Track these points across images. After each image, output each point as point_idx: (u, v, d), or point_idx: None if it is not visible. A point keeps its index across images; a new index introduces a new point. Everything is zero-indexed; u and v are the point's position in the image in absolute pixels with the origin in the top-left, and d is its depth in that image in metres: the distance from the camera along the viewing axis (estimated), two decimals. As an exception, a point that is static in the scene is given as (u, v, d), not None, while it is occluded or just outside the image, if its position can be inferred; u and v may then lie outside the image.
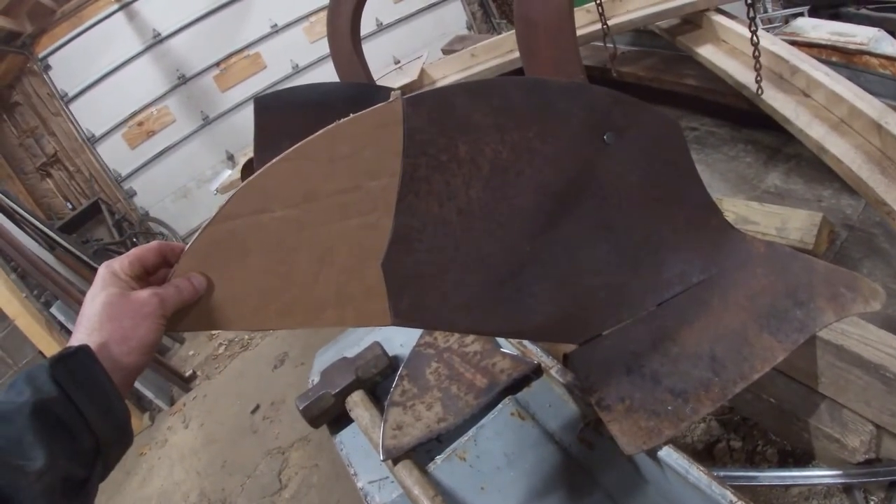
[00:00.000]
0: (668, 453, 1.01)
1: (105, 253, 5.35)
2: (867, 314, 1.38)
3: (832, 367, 1.43)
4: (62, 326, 4.04)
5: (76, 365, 0.70)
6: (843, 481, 1.48)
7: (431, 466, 1.16)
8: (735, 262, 1.25)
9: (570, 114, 1.01)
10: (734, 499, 0.93)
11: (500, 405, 1.22)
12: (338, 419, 1.38)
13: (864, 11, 3.82)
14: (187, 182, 6.44)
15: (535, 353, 1.24)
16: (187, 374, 4.37)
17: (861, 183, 1.91)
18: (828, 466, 1.52)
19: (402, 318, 0.95)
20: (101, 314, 0.75)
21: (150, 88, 6.28)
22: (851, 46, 2.60)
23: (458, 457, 1.17)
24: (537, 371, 1.25)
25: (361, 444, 1.28)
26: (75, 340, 0.74)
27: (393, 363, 1.42)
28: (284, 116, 1.82)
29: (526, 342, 1.25)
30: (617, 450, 1.03)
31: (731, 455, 1.61)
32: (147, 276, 0.85)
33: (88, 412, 0.69)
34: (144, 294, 0.79)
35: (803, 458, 1.58)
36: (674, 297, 1.17)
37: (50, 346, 3.82)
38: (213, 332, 4.69)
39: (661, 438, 1.01)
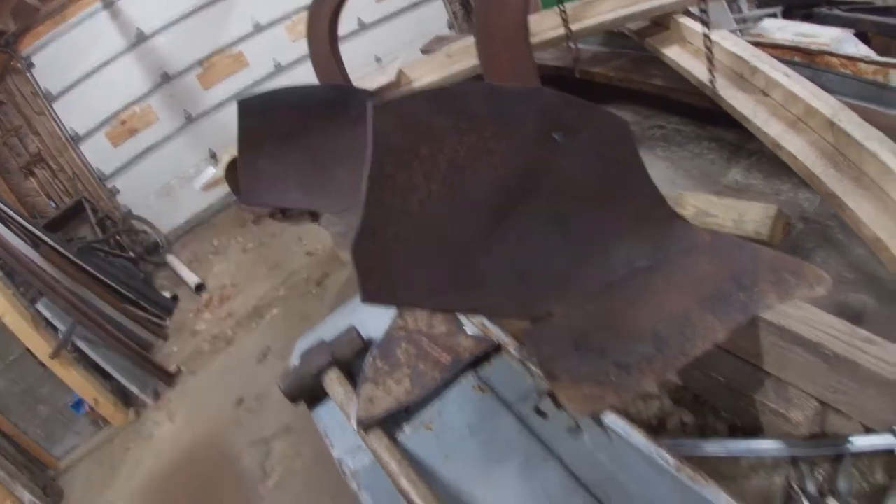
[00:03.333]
0: (612, 420, 1.11)
1: (89, 250, 5.38)
2: (822, 301, 1.48)
3: (775, 346, 1.53)
4: (48, 323, 4.08)
5: None
6: (788, 454, 1.57)
7: (401, 436, 1.27)
8: (680, 249, 1.36)
9: (523, 116, 1.12)
10: (671, 460, 1.03)
11: (463, 379, 1.33)
12: (316, 397, 1.48)
13: (836, 12, 3.90)
14: (170, 180, 6.45)
15: (495, 332, 1.34)
16: (172, 370, 4.39)
17: (814, 178, 2.02)
18: (773, 439, 1.60)
19: (369, 298, 1.05)
20: None
21: (133, 87, 6.28)
22: (814, 47, 2.70)
23: (425, 427, 1.28)
24: (497, 349, 1.36)
25: (337, 418, 1.37)
26: None
27: (367, 345, 1.51)
28: (267, 118, 1.93)
29: (486, 322, 1.35)
30: (569, 420, 1.13)
31: (683, 430, 1.71)
32: None
33: None
34: None
35: (751, 433, 1.67)
36: (620, 280, 1.27)
37: (37, 343, 3.86)
38: (197, 328, 4.74)
39: (605, 405, 1.12)
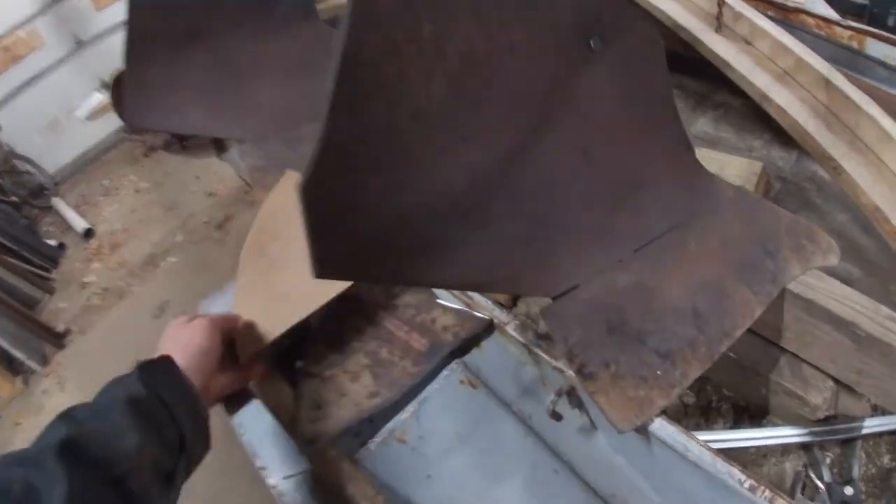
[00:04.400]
0: (661, 426, 0.83)
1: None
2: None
3: (799, 321, 1.36)
4: None
5: (158, 369, 0.80)
6: (805, 440, 1.43)
7: (363, 453, 0.91)
8: (708, 205, 1.11)
9: (559, 5, 0.79)
10: (742, 477, 0.78)
11: (445, 371, 0.98)
12: (236, 395, 1.07)
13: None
14: (57, 113, 5.68)
15: (486, 306, 1.01)
16: (60, 329, 3.88)
17: (807, 136, 1.85)
18: (787, 425, 1.47)
19: (327, 268, 0.67)
20: (195, 357, 0.85)
21: (17, 9, 5.41)
22: (790, 4, 2.55)
23: (397, 439, 0.94)
24: (489, 328, 1.02)
25: (269, 426, 0.94)
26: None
27: (306, 322, 1.14)
28: (164, 15, 1.45)
29: (474, 296, 1.02)
30: (583, 419, 0.84)
31: (685, 411, 1.51)
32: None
33: (173, 406, 0.76)
34: (223, 379, 0.92)
35: (757, 414, 1.52)
36: (650, 243, 0.99)
37: None
38: (86, 280, 4.20)
39: (655, 410, 0.83)
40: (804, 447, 1.44)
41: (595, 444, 0.96)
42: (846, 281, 1.70)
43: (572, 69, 0.83)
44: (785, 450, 1.44)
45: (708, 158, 2.09)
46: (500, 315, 0.99)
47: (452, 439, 0.94)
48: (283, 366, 1.06)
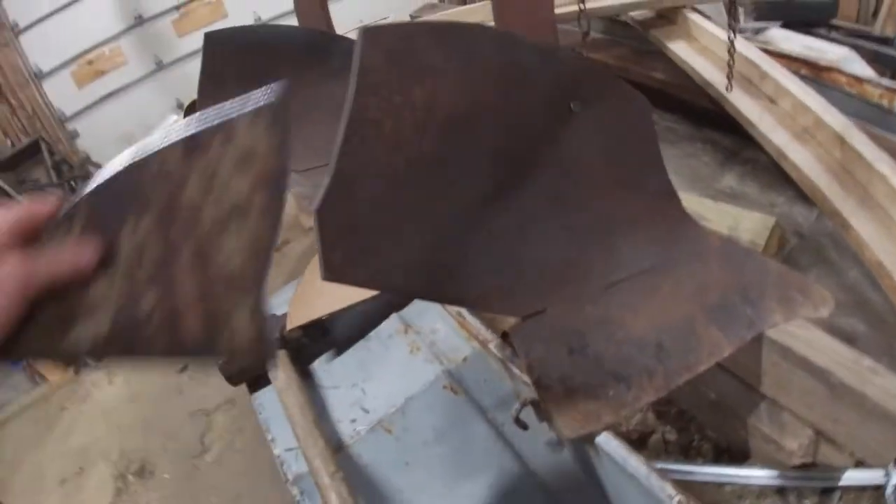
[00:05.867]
0: (606, 440, 0.95)
1: (42, 195, 5.06)
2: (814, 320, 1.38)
3: (776, 366, 1.42)
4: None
5: None
6: (779, 483, 1.47)
7: (353, 438, 1.08)
8: (689, 252, 1.21)
9: (538, 74, 0.94)
10: (673, 492, 0.88)
11: (431, 377, 1.14)
12: (258, 379, 1.28)
13: (834, 35, 3.87)
14: (133, 128, 6.10)
15: (475, 326, 1.17)
16: (117, 327, 4.16)
17: (818, 192, 1.92)
18: (764, 467, 1.51)
19: (333, 273, 0.86)
20: None
21: (104, 26, 5.91)
22: (822, 62, 2.62)
23: (384, 429, 1.10)
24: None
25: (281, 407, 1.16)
26: None
27: (324, 327, 1.32)
28: (236, 57, 1.68)
29: (465, 315, 1.18)
30: (551, 434, 0.97)
31: (665, 448, 1.59)
32: (36, 237, 0.68)
33: None
34: (9, 266, 0.63)
35: (738, 456, 1.57)
36: (623, 281, 1.11)
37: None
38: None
39: (600, 424, 0.96)
40: (780, 492, 1.47)
41: (561, 459, 1.08)
42: (851, 335, 1.75)
43: (551, 130, 0.98)
44: (761, 493, 1.47)
45: (724, 212, 2.15)
46: (485, 334, 1.14)
47: (430, 434, 1.09)
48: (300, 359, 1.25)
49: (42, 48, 5.76)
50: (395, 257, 0.89)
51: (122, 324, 0.70)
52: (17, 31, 5.65)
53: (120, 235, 0.69)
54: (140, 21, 5.97)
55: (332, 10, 2.83)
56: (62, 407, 3.67)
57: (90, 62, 5.93)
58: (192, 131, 0.69)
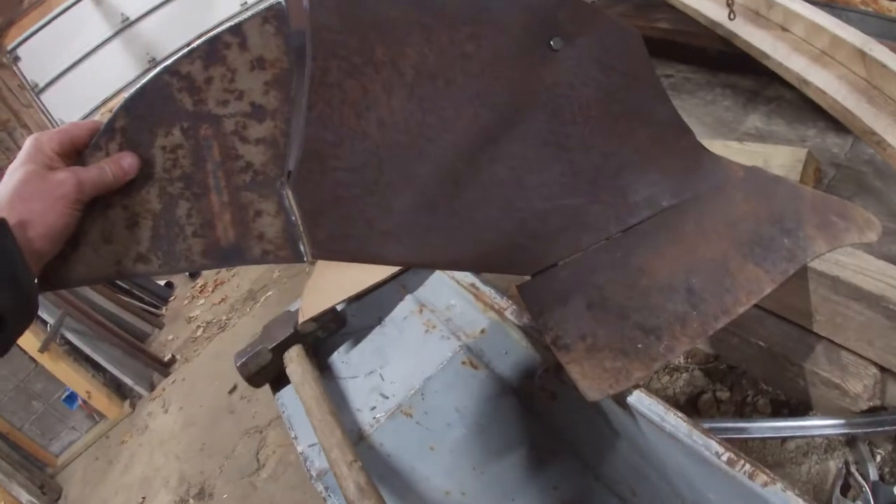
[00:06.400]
0: (638, 398, 0.87)
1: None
2: (863, 247, 1.27)
3: (827, 301, 1.30)
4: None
5: None
6: (845, 432, 1.36)
7: (373, 426, 1.02)
8: (710, 185, 1.13)
9: (508, 14, 0.87)
10: (720, 449, 0.80)
11: (448, 353, 1.07)
12: (280, 377, 1.24)
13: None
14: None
15: (490, 295, 1.09)
16: (166, 358, 4.26)
17: (847, 113, 1.79)
18: (828, 416, 1.40)
19: (320, 249, 0.81)
20: (14, 191, 0.70)
21: (121, 73, 6.05)
22: None
23: (404, 413, 1.04)
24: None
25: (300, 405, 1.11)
26: None
27: (339, 317, 1.27)
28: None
29: (477, 283, 1.11)
30: (581, 398, 0.89)
31: (718, 407, 1.49)
32: (77, 156, 0.78)
33: None
34: (61, 174, 0.72)
35: (799, 409, 1.46)
36: (641, 224, 1.03)
37: (25, 337, 3.68)
38: (192, 314, 4.58)
39: (630, 381, 0.88)
40: (849, 443, 1.37)
41: (594, 425, 1.00)
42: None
43: (534, 70, 0.91)
44: (829, 446, 1.37)
45: (751, 152, 2.04)
46: (499, 301, 1.07)
47: (453, 415, 1.02)
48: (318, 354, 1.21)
49: (64, 103, 5.94)
50: (382, 225, 0.84)
51: (162, 233, 0.79)
52: (38, 91, 5.84)
53: (152, 148, 0.78)
54: (154, 63, 6.09)
55: None
56: (121, 441, 3.79)
57: (112, 109, 6.08)
58: (209, 38, 0.78)
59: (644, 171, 1.03)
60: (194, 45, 0.78)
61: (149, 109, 0.77)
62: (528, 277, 0.98)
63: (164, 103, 0.77)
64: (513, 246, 0.93)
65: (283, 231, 0.81)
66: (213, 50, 0.78)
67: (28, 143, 0.74)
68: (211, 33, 0.78)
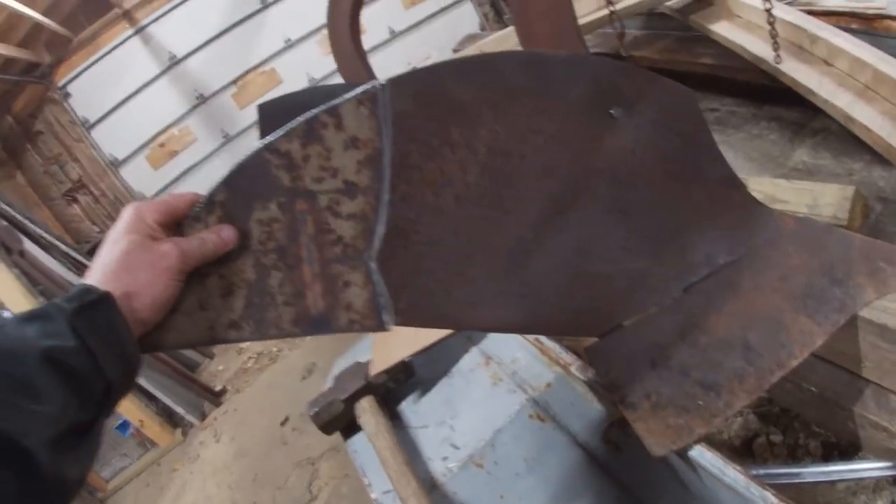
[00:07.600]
0: (700, 453, 0.93)
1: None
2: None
3: (876, 348, 1.33)
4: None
5: (97, 315, 0.66)
6: (892, 474, 1.37)
7: (447, 475, 1.09)
8: (764, 240, 1.16)
9: (571, 88, 0.94)
10: (775, 500, 0.84)
11: (517, 407, 1.14)
12: (350, 425, 1.32)
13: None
14: (206, 199, 6.44)
15: (555, 350, 1.17)
16: (217, 388, 4.37)
17: (892, 150, 1.83)
18: (875, 458, 1.42)
19: (402, 318, 0.88)
20: (119, 261, 0.71)
21: (170, 110, 6.32)
22: (871, 11, 2.48)
23: (475, 464, 1.11)
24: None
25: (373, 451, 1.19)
26: (91, 281, 0.69)
27: (408, 368, 1.35)
28: (287, 120, 1.77)
29: (544, 340, 1.18)
30: (646, 451, 0.95)
31: (771, 450, 1.52)
32: (176, 227, 0.80)
33: (105, 362, 0.65)
34: (166, 245, 0.74)
35: (849, 450, 1.49)
36: (700, 282, 1.09)
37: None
38: (243, 346, 4.69)
39: (693, 437, 0.93)
40: None
41: (658, 477, 1.05)
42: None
43: (597, 140, 0.97)
44: (877, 486, 1.39)
45: (800, 191, 2.04)
46: (565, 357, 1.14)
47: (522, 466, 1.08)
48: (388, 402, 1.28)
49: (114, 139, 6.21)
50: (459, 294, 0.91)
51: (255, 302, 0.82)
52: (88, 127, 6.12)
53: (249, 221, 0.81)
54: (203, 99, 6.33)
55: (379, 56, 2.94)
56: (173, 469, 3.88)
57: (162, 145, 6.33)
58: (307, 118, 0.82)
59: (702, 229, 1.08)
60: (292, 124, 0.82)
61: (248, 185, 0.81)
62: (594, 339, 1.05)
63: (262, 179, 0.81)
64: (580, 310, 1.00)
65: (369, 301, 0.84)
66: (311, 129, 0.82)
67: (128, 212, 0.75)
68: (308, 114, 0.82)
